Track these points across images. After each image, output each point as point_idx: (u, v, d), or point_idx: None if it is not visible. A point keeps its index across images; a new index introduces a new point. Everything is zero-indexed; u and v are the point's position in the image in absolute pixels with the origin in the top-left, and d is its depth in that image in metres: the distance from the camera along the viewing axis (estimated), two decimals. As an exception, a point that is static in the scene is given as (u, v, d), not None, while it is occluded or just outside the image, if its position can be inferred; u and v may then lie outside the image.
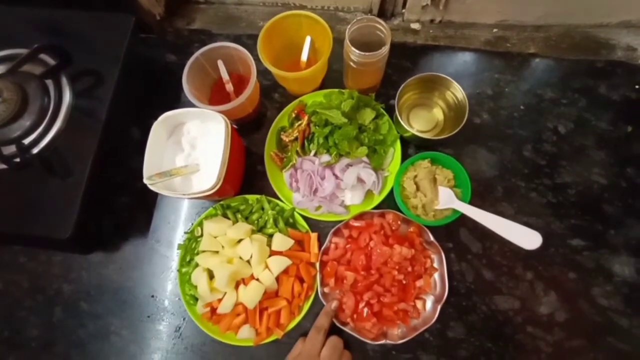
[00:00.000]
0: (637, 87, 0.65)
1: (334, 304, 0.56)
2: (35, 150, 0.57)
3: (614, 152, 0.62)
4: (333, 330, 0.56)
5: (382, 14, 0.72)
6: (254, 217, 0.60)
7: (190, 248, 0.60)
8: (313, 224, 0.61)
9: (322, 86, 0.68)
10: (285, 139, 0.63)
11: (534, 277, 0.58)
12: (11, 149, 0.57)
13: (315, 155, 0.62)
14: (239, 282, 0.57)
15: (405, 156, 0.62)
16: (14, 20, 0.64)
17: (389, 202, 0.61)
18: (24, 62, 0.57)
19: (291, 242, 0.58)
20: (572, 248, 0.59)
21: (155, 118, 0.56)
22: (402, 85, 0.59)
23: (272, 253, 0.58)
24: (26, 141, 0.57)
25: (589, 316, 0.56)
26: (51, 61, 0.59)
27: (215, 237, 0.58)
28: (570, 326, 0.56)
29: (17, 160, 0.56)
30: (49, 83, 0.59)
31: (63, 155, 0.58)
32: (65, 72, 0.60)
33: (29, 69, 0.58)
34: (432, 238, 0.57)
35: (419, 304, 0.57)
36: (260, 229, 0.60)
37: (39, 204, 0.57)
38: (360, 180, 0.60)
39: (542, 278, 0.58)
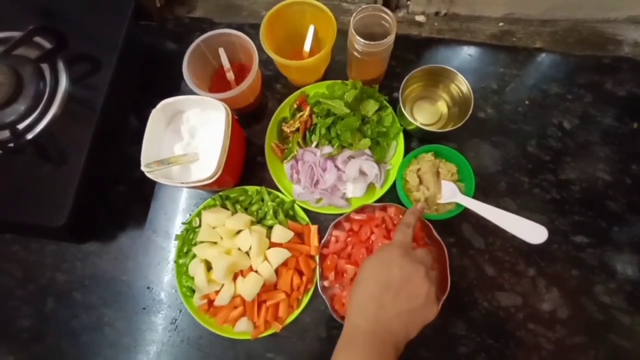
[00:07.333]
0: (643, 83, 0.65)
1: (420, 205, 0.51)
2: (29, 136, 0.55)
3: (619, 149, 0.62)
4: (332, 328, 0.55)
5: (387, 5, 0.71)
6: (254, 208, 0.59)
7: (188, 239, 0.59)
8: (313, 217, 0.60)
9: (325, 77, 0.66)
10: (286, 129, 0.62)
11: (536, 274, 0.58)
12: (5, 134, 0.55)
13: (316, 146, 0.61)
14: (237, 274, 0.56)
15: (408, 149, 0.61)
16: (8, 1, 0.63)
17: (391, 195, 0.60)
18: (19, 45, 0.55)
19: (291, 234, 0.57)
20: (575, 245, 0.58)
21: (154, 107, 0.55)
22: (407, 77, 0.58)
23: (272, 245, 0.57)
24: (20, 126, 0.55)
25: (591, 313, 0.56)
26: (47, 45, 0.58)
27: (213, 228, 0.57)
28: (572, 323, 0.56)
29: (11, 145, 0.55)
30: (45, 67, 0.57)
31: (59, 142, 0.56)
32: (62, 57, 0.58)
33: (24, 52, 0.57)
34: (434, 232, 0.56)
35: (420, 299, 0.56)
36: (260, 221, 0.59)
37: (33, 191, 0.55)
38: (362, 172, 0.59)
39: (545, 275, 0.58)
